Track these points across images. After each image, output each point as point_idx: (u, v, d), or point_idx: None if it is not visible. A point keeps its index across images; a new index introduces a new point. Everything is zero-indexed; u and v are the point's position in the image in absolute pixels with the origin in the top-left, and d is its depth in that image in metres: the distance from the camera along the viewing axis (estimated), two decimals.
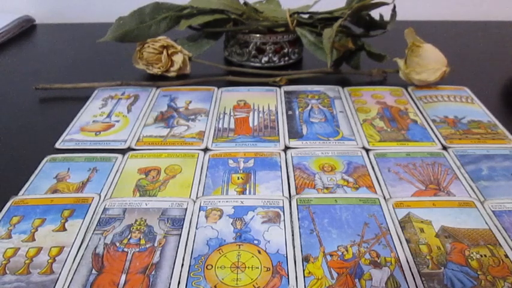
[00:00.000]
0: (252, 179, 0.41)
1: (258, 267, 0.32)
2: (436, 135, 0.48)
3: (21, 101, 0.56)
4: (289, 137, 0.47)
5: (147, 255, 0.33)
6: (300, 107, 0.53)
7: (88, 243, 0.34)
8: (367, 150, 0.45)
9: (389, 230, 0.35)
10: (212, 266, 0.32)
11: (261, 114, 0.52)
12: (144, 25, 0.58)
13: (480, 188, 0.40)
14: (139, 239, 0.34)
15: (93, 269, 0.32)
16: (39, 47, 0.78)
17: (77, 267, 0.32)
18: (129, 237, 0.35)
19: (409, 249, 0.33)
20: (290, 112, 0.52)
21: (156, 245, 0.34)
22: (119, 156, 0.44)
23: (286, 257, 0.33)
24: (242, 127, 0.50)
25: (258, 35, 0.63)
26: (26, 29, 0.82)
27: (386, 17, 0.59)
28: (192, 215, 0.37)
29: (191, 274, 0.31)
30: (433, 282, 0.31)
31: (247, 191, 0.40)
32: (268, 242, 0.34)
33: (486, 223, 0.36)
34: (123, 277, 0.31)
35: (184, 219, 0.36)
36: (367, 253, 0.33)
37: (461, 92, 0.57)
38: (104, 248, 0.34)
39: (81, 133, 0.49)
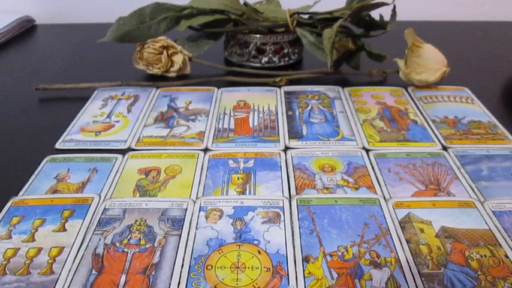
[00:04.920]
0: (252, 179, 0.41)
1: (258, 268, 0.32)
2: (436, 136, 0.48)
3: (21, 101, 0.57)
4: (289, 137, 0.47)
5: (147, 256, 0.33)
6: (300, 107, 0.53)
7: (88, 243, 0.34)
8: (367, 151, 0.45)
9: (389, 230, 0.35)
10: (212, 266, 0.32)
11: (261, 115, 0.52)
12: (144, 25, 0.58)
13: (480, 188, 0.40)
14: (140, 239, 0.34)
15: (93, 269, 0.32)
16: (39, 47, 0.78)
17: (77, 267, 0.32)
18: (129, 237, 0.35)
19: (409, 250, 0.33)
20: (290, 112, 0.52)
21: (156, 245, 0.34)
22: (119, 156, 0.44)
23: (286, 257, 0.33)
24: (242, 127, 0.50)
25: (258, 36, 0.63)
26: (26, 30, 0.82)
27: (387, 17, 0.59)
28: (192, 215, 0.37)
29: (191, 274, 0.31)
30: (433, 282, 0.31)
31: (247, 191, 0.40)
32: (268, 242, 0.34)
33: (486, 223, 0.36)
34: (123, 277, 0.31)
35: (184, 219, 0.36)
36: (367, 253, 0.33)
37: (461, 92, 0.57)
38: (104, 248, 0.34)
39: (81, 133, 0.49)
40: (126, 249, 0.34)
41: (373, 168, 0.42)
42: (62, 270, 0.32)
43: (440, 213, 0.37)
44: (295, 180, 0.41)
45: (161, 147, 0.46)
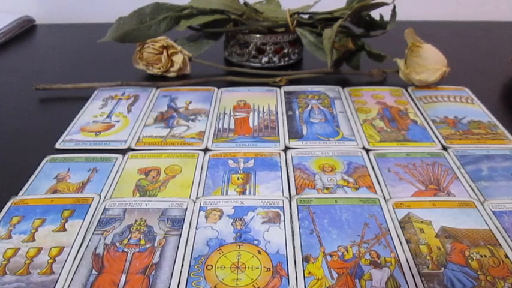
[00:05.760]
0: (252, 179, 0.41)
1: (258, 268, 0.32)
2: (436, 136, 0.48)
3: (21, 101, 0.57)
4: (289, 137, 0.47)
5: (147, 256, 0.33)
6: (300, 107, 0.53)
7: (88, 243, 0.34)
8: (367, 151, 0.45)
9: (389, 230, 0.35)
10: (212, 266, 0.32)
11: (261, 115, 0.52)
12: (144, 25, 0.58)
13: (480, 188, 0.40)
14: (139, 239, 0.34)
15: (93, 269, 0.32)
16: (39, 47, 0.78)
17: (77, 267, 0.32)
18: (129, 237, 0.35)
19: (409, 250, 0.33)
20: (290, 112, 0.52)
21: (156, 245, 0.34)
22: (119, 156, 0.44)
23: (286, 257, 0.33)
24: (242, 127, 0.50)
25: (258, 35, 0.63)
26: (26, 29, 0.82)
27: (387, 17, 0.59)
28: (192, 215, 0.37)
29: (191, 274, 0.31)
30: (433, 282, 0.31)
31: (247, 191, 0.40)
32: (268, 242, 0.34)
33: (486, 223, 0.36)
34: (123, 277, 0.31)
35: (184, 219, 0.36)
36: (367, 253, 0.33)
37: (461, 92, 0.57)
38: (104, 248, 0.34)
39: (81, 133, 0.49)
40: (126, 249, 0.34)
41: (373, 168, 0.42)
42: (62, 270, 0.32)
43: (440, 213, 0.37)
44: (295, 180, 0.41)
45: (161, 147, 0.46)
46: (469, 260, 0.33)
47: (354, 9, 0.55)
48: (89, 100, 0.55)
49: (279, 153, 0.45)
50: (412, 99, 0.55)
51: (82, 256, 0.33)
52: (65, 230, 0.35)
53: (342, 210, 0.37)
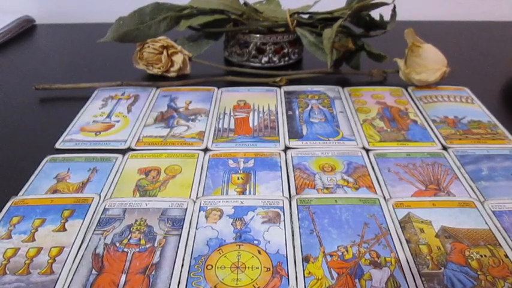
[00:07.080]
0: (252, 179, 0.41)
1: (258, 268, 0.32)
2: (436, 136, 0.48)
3: (21, 101, 0.57)
4: (289, 137, 0.47)
5: (147, 256, 0.33)
6: (300, 107, 0.53)
7: (88, 243, 0.34)
8: (367, 151, 0.45)
9: (389, 230, 0.35)
10: (212, 266, 0.32)
11: (261, 115, 0.52)
12: (144, 25, 0.58)
13: (480, 188, 0.40)
14: (139, 239, 0.34)
15: (93, 269, 0.32)
16: (39, 47, 0.78)
17: (77, 267, 0.32)
18: (129, 237, 0.35)
19: (409, 250, 0.33)
20: (290, 112, 0.52)
21: (156, 245, 0.34)
22: (119, 156, 0.44)
23: (286, 257, 0.33)
24: (242, 127, 0.50)
25: (258, 35, 0.63)
26: (26, 29, 0.82)
27: (387, 17, 0.59)
28: (192, 215, 0.37)
29: (191, 274, 0.31)
30: (433, 282, 0.31)
31: (247, 191, 0.40)
32: (268, 242, 0.34)
33: (486, 223, 0.36)
34: (123, 277, 0.31)
35: (184, 219, 0.36)
36: (367, 253, 0.33)
37: (461, 92, 0.57)
38: (104, 248, 0.34)
39: (81, 133, 0.49)
40: (126, 249, 0.34)
41: (373, 168, 0.42)
42: (62, 270, 0.32)
43: (440, 213, 0.37)
44: (295, 180, 0.41)
45: (161, 147, 0.46)
46: (469, 260, 0.33)
47: (354, 9, 0.55)
48: (89, 100, 0.55)
49: (279, 153, 0.45)
50: (412, 99, 0.55)
51: (82, 256, 0.33)
52: (65, 230, 0.36)
53: (342, 210, 0.37)
